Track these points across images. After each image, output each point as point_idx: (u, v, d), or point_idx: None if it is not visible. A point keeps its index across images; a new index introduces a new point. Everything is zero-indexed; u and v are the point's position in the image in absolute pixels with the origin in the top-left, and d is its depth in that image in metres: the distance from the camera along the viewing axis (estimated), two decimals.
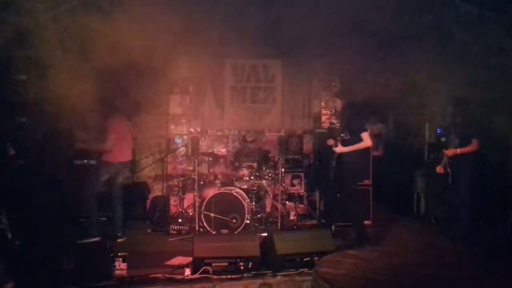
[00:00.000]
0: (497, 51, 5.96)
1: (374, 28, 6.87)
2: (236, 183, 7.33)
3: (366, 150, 7.13)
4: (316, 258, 5.09)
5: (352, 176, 6.04)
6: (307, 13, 6.43)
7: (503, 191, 6.76)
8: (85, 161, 7.14)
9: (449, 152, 6.12)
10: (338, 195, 6.22)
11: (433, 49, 6.69)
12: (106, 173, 6.35)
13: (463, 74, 6.43)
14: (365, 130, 5.94)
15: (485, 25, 5.90)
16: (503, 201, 6.61)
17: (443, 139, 6.72)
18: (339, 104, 6.30)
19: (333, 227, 6.74)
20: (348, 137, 5.94)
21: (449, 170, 6.14)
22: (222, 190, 6.91)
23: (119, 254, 5.00)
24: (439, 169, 6.34)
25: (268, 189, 7.61)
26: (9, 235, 4.83)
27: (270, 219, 7.33)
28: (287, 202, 7.54)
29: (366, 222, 7.18)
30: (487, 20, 5.85)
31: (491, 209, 6.70)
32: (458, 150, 6.02)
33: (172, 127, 8.37)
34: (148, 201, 8.00)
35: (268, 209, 7.60)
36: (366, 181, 7.26)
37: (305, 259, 5.13)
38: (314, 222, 7.48)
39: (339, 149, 5.96)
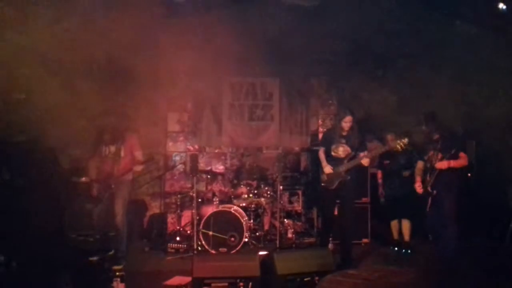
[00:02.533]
0: (495, 70, 6.00)
1: (371, 46, 6.93)
2: (235, 201, 7.30)
3: (364, 168, 7.20)
4: (316, 278, 5.03)
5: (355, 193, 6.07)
6: (305, 32, 6.50)
7: (500, 205, 6.74)
8: (83, 179, 7.04)
9: (442, 164, 5.43)
10: (337, 212, 6.22)
11: (430, 68, 6.74)
12: None
13: (460, 93, 6.47)
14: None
15: (483, 45, 5.96)
16: (501, 216, 6.59)
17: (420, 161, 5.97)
18: (349, 118, 5.95)
19: (330, 245, 6.64)
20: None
21: (429, 188, 5.56)
22: (221, 208, 6.87)
23: (117, 273, 4.93)
24: (418, 186, 5.72)
25: (267, 206, 7.57)
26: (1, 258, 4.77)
27: (269, 237, 7.29)
28: (285, 219, 7.50)
29: (365, 240, 7.21)
30: (485, 40, 5.90)
31: (489, 225, 6.67)
32: (452, 163, 5.42)
33: (170, 144, 8.36)
34: (146, 219, 7.95)
35: (266, 227, 7.56)
36: (365, 199, 7.26)
37: (305, 279, 5.08)
38: (312, 240, 7.44)
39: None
